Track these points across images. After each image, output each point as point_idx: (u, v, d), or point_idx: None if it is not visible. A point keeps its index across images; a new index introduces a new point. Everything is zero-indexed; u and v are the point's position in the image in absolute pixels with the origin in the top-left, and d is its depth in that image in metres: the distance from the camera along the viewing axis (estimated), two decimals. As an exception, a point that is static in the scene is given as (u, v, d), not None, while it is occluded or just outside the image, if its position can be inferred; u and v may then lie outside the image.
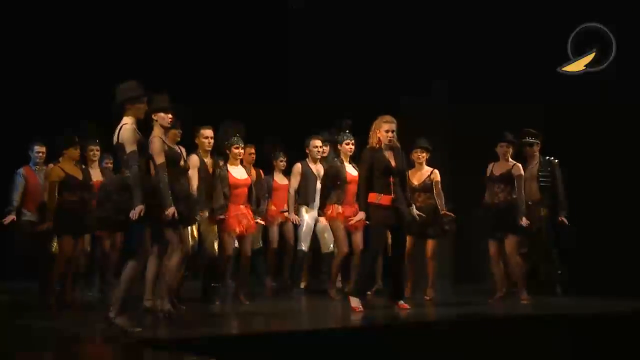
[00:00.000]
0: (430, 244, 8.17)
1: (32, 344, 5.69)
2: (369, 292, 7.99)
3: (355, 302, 7.15)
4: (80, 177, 7.56)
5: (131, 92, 5.94)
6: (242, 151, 7.74)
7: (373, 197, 7.13)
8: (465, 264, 9.78)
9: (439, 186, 8.17)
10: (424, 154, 8.20)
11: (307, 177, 8.43)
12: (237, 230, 7.55)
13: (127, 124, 5.88)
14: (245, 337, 6.05)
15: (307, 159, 8.56)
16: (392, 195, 7.11)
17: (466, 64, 9.78)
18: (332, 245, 8.36)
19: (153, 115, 6.64)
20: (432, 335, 6.54)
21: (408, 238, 7.64)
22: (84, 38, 10.15)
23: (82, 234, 7.66)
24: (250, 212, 7.71)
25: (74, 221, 7.40)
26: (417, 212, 7.53)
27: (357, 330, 6.54)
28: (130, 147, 5.80)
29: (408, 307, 7.28)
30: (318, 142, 8.50)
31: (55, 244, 7.60)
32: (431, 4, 9.85)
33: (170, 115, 6.70)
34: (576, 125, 9.10)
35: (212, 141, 7.59)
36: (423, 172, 8.21)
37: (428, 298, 8.12)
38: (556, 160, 8.53)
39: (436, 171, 8.22)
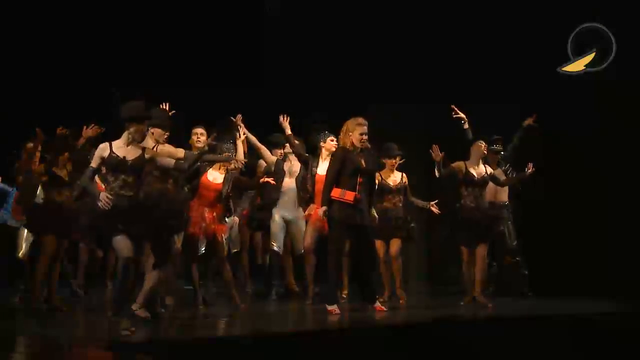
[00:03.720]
0: (393, 244, 8.12)
1: (15, 346, 5.74)
2: (344, 295, 8.01)
3: (331, 305, 7.13)
4: (65, 177, 7.51)
5: (135, 112, 6.12)
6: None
7: (337, 193, 7.06)
8: (442, 265, 9.74)
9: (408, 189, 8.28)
10: (397, 159, 8.25)
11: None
12: (194, 231, 7.42)
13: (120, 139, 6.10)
14: (223, 340, 6.06)
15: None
16: (357, 194, 7.05)
17: (461, 64, 9.73)
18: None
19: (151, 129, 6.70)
20: (405, 337, 6.55)
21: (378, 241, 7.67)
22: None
23: (66, 237, 7.54)
24: (213, 216, 7.53)
25: (58, 221, 7.35)
26: (375, 214, 7.45)
27: (334, 332, 6.52)
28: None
29: (384, 309, 7.27)
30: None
31: (22, 250, 7.65)
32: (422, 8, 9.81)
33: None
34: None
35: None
36: (397, 174, 8.26)
37: (401, 300, 8.10)
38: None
39: (404, 174, 8.30)
